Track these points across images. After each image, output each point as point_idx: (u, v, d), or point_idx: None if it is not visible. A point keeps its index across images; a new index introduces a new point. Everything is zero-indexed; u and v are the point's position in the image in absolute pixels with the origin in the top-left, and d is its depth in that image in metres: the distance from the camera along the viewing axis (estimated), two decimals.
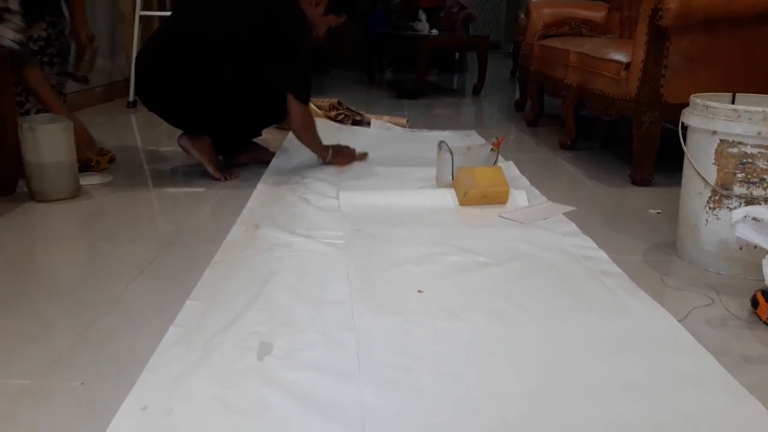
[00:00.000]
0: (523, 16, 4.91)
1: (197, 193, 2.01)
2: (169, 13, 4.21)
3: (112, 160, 2.26)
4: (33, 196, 1.86)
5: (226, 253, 1.46)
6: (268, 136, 2.60)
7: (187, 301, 1.21)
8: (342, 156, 2.32)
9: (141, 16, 3.75)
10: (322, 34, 2.19)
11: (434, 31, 5.31)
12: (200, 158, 2.13)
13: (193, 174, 2.20)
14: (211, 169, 2.13)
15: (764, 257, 1.18)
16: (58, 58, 2.26)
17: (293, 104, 2.04)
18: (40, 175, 1.83)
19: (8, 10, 1.96)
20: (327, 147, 2.28)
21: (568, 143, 2.78)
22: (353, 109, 3.27)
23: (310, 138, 2.21)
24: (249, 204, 1.84)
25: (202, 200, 1.94)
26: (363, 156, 2.42)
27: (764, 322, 1.20)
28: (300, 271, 1.37)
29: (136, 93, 2.20)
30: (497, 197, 1.88)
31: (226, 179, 2.12)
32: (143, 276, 1.36)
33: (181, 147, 2.17)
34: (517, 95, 4.19)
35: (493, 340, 1.09)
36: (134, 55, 3.71)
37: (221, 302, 1.21)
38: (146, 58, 2.09)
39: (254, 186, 2.04)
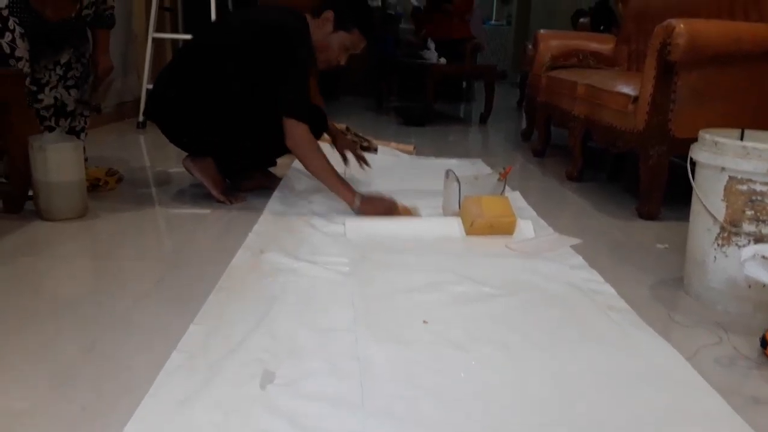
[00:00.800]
0: (530, 46, 4.95)
1: (204, 215, 2.01)
2: (181, 35, 4.28)
3: (120, 180, 2.28)
4: (40, 215, 1.86)
5: (230, 278, 1.45)
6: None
7: (191, 326, 1.20)
8: (373, 206, 1.95)
9: (154, 38, 3.80)
10: (338, 56, 2.08)
11: (442, 60, 5.36)
12: (203, 180, 2.13)
13: (200, 196, 2.20)
14: (214, 192, 2.13)
15: None
16: (80, 80, 2.30)
17: (286, 123, 1.93)
18: (48, 194, 1.84)
19: (13, 56, 2.01)
20: (351, 188, 1.97)
21: (575, 174, 2.78)
22: (361, 135, 3.28)
23: (312, 160, 1.96)
24: (255, 228, 1.83)
25: (208, 222, 1.94)
26: (410, 211, 2.02)
27: None
28: (304, 297, 1.36)
29: (145, 111, 2.22)
30: (504, 228, 1.87)
31: (230, 203, 2.12)
32: (148, 297, 1.35)
33: (186, 168, 2.17)
34: (524, 125, 4.21)
35: (498, 373, 1.08)
36: (146, 76, 3.75)
37: (225, 327, 1.20)
38: (160, 76, 2.12)
39: (260, 210, 2.04)
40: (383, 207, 1.96)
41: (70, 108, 2.28)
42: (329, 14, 2.02)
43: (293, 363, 1.07)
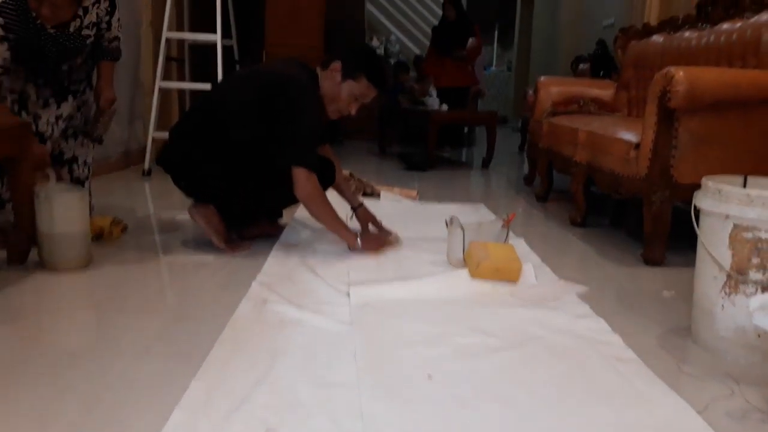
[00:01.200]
0: (531, 93, 5.02)
1: (207, 264, 2.01)
2: (188, 85, 4.36)
3: (124, 229, 2.28)
4: (44, 265, 1.86)
5: (233, 330, 1.44)
6: None
7: (193, 382, 1.18)
8: (371, 243, 2.17)
9: (160, 87, 3.86)
10: (348, 106, 2.11)
11: (444, 107, 5.43)
12: (205, 227, 2.14)
13: (204, 244, 2.20)
14: (215, 240, 2.13)
15: None
16: (80, 128, 2.33)
17: (294, 173, 1.97)
18: (52, 245, 1.84)
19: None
20: (352, 232, 2.13)
21: (579, 220, 2.78)
22: (364, 180, 3.30)
23: (320, 210, 2.05)
24: (258, 277, 1.83)
25: (211, 272, 1.94)
26: (393, 240, 2.26)
27: None
28: (307, 350, 1.34)
29: (157, 160, 2.22)
30: (509, 273, 1.86)
31: (232, 251, 2.11)
32: (151, 351, 1.34)
33: (190, 216, 2.19)
34: (526, 170, 4.23)
35: (504, 430, 1.05)
36: (152, 124, 3.81)
37: (227, 383, 1.18)
38: (173, 126, 2.20)
39: (264, 258, 2.03)
40: (378, 240, 2.22)
41: (67, 156, 2.29)
42: (337, 65, 2.07)
43: (296, 421, 1.05)
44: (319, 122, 2.08)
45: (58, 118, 2.21)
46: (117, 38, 2.32)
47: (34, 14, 2.00)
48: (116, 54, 2.35)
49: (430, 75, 6.10)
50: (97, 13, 2.17)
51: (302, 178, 1.98)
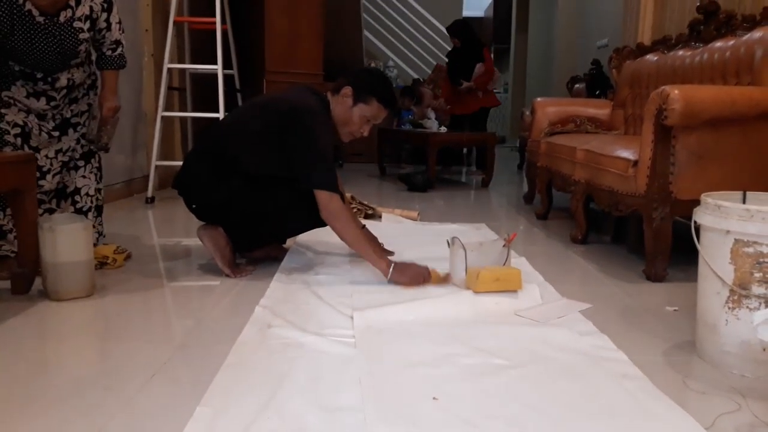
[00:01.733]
0: (528, 113, 5.07)
1: (211, 289, 2.01)
2: (189, 114, 4.40)
3: (128, 257, 2.29)
4: (48, 295, 1.86)
5: (238, 355, 1.44)
6: None
7: (198, 408, 1.18)
8: (406, 277, 2.01)
9: (162, 116, 3.90)
10: (360, 128, 2.17)
11: (443, 129, 5.48)
12: (212, 250, 2.15)
13: (207, 269, 2.21)
14: (220, 263, 2.14)
15: None
16: (89, 138, 2.34)
17: (317, 195, 1.99)
18: (56, 275, 1.85)
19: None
20: (384, 257, 2.05)
21: (579, 237, 2.79)
22: (365, 203, 3.32)
23: (346, 230, 2.02)
24: (262, 302, 1.83)
25: (215, 297, 1.94)
26: (442, 278, 2.05)
27: None
28: (312, 374, 1.34)
29: (173, 184, 2.23)
30: (509, 281, 1.88)
31: (234, 276, 2.13)
32: (156, 378, 1.34)
33: (198, 237, 2.20)
34: (525, 188, 4.25)
35: None
36: (155, 152, 3.84)
37: (232, 408, 1.18)
38: (190, 152, 2.25)
39: (267, 281, 2.04)
40: (415, 274, 2.02)
41: (70, 189, 2.28)
42: (348, 90, 2.12)
43: None
44: (332, 146, 2.11)
45: (58, 152, 2.22)
46: (119, 43, 2.27)
47: (21, 0, 1.93)
48: (120, 62, 2.30)
49: (425, 97, 6.17)
50: (91, 6, 2.11)
51: (325, 199, 2.00)
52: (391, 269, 2.00)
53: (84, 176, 2.31)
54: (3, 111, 2.04)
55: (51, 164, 2.20)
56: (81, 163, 2.30)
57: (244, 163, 2.06)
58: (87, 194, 2.33)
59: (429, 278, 2.03)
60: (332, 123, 2.15)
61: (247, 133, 2.08)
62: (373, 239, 2.27)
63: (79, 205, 2.30)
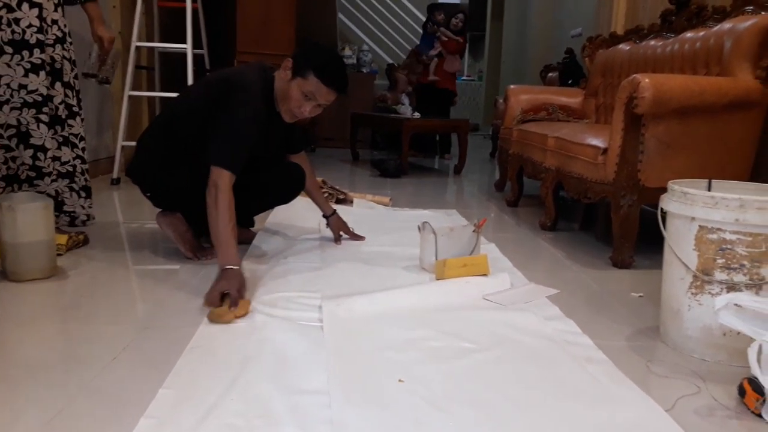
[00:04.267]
0: (501, 101, 5.08)
1: (176, 273, 1.98)
2: (157, 93, 4.31)
3: (85, 242, 2.22)
4: (7, 276, 1.81)
5: (202, 338, 1.42)
6: None
7: (161, 390, 1.16)
8: (227, 283, 1.65)
9: (130, 96, 3.81)
10: (300, 106, 1.96)
11: (416, 114, 5.46)
12: (173, 236, 2.11)
13: (172, 253, 2.17)
14: (183, 248, 2.10)
15: (749, 345, 1.18)
16: (89, 73, 2.27)
17: (211, 169, 1.82)
18: (15, 255, 1.79)
19: None
20: (231, 256, 1.75)
21: (549, 224, 2.81)
22: (337, 187, 3.30)
23: (213, 213, 1.80)
24: None
25: (180, 280, 1.91)
26: (245, 306, 1.61)
27: (752, 412, 1.17)
28: (277, 356, 1.33)
29: (127, 171, 2.18)
30: (477, 266, 1.90)
31: (198, 259, 2.09)
32: (117, 361, 1.31)
33: (158, 224, 2.15)
34: (497, 176, 4.27)
35: None
36: (121, 133, 3.76)
37: (196, 391, 1.16)
38: (140, 136, 2.16)
39: None
40: (212, 296, 1.64)
41: (33, 141, 2.18)
42: (288, 62, 1.97)
43: (266, 428, 1.04)
44: (255, 127, 1.94)
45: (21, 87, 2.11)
46: None
47: None
48: None
49: (400, 82, 6.16)
50: None
51: (215, 174, 1.82)
52: (225, 268, 1.71)
53: (54, 138, 2.23)
54: None
55: (11, 95, 2.10)
56: (45, 118, 2.19)
57: (187, 142, 1.98)
58: (54, 158, 2.23)
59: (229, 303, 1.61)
60: (269, 103, 2.00)
61: (189, 110, 2.01)
62: (234, 237, 1.83)
63: (38, 163, 2.20)
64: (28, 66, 2.11)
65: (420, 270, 2.04)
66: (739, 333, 1.26)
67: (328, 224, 2.37)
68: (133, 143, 3.85)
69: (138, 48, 3.91)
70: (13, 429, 1.03)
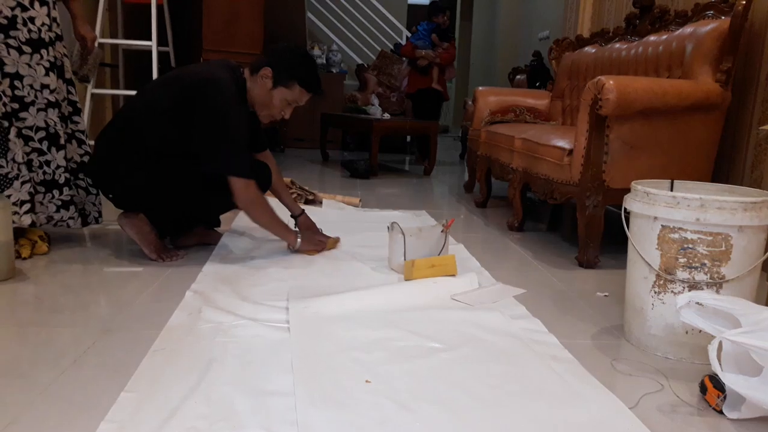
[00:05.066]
0: (470, 102, 5.12)
1: (140, 274, 1.94)
2: (121, 91, 4.23)
3: (47, 244, 2.16)
4: None
5: (166, 340, 1.39)
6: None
7: (122, 393, 1.13)
8: (311, 244, 2.21)
9: (93, 94, 3.73)
10: (281, 111, 2.05)
11: (386, 115, 5.47)
12: (136, 237, 2.07)
13: (136, 255, 2.12)
14: (146, 250, 2.06)
15: (710, 342, 1.20)
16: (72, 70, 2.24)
17: (232, 182, 1.93)
18: None
19: None
20: (293, 231, 2.19)
21: (516, 225, 2.83)
22: (306, 188, 3.27)
23: (262, 215, 2.04)
24: (193, 286, 1.78)
25: (144, 282, 1.87)
26: (335, 243, 2.32)
27: (713, 408, 1.20)
28: (243, 358, 1.31)
29: (85, 171, 2.12)
30: (445, 267, 1.91)
31: (162, 260, 2.05)
32: (77, 364, 1.28)
33: (120, 226, 2.10)
34: (466, 177, 4.29)
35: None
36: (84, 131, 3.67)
37: (158, 394, 1.14)
38: (98, 135, 2.08)
39: (200, 267, 1.98)
40: (318, 242, 2.24)
41: (62, 141, 2.13)
42: (267, 71, 1.99)
43: (229, 431, 1.02)
44: (245, 125, 2.00)
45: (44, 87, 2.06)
46: None
47: None
48: None
49: (369, 83, 6.12)
50: None
51: (240, 187, 1.94)
52: (298, 240, 2.16)
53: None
54: None
55: (35, 96, 2.06)
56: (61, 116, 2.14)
57: (146, 139, 1.95)
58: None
59: (325, 245, 2.25)
60: (246, 101, 2.04)
61: (150, 107, 1.96)
62: (281, 223, 2.14)
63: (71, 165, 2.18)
64: (47, 65, 2.07)
65: (389, 270, 2.04)
66: (700, 331, 1.29)
67: (296, 224, 2.35)
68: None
69: (101, 45, 3.82)
70: None
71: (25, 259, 2.00)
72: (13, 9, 1.96)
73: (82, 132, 2.25)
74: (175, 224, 2.20)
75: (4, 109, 1.93)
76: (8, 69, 1.98)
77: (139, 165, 1.97)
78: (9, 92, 1.98)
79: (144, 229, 2.06)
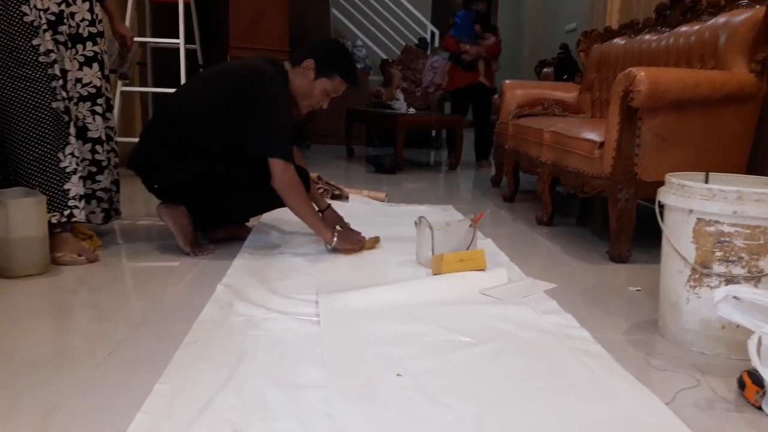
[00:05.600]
0: (496, 96, 5.07)
1: (171, 268, 1.96)
2: (150, 89, 4.29)
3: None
4: (0, 272, 1.79)
5: (198, 333, 1.40)
6: None
7: (156, 385, 1.15)
8: (349, 243, 2.15)
9: (122, 92, 3.79)
10: (319, 101, 2.14)
11: (411, 110, 5.45)
12: (172, 228, 2.09)
13: (167, 248, 2.15)
14: (181, 242, 2.09)
15: (748, 337, 1.17)
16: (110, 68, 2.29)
17: (272, 164, 1.97)
18: (8, 251, 1.77)
19: None
20: (330, 228, 2.14)
21: (545, 219, 2.80)
22: (332, 183, 3.28)
23: (299, 203, 2.04)
24: (224, 280, 1.79)
25: (176, 275, 1.89)
26: (374, 243, 2.24)
27: (752, 404, 1.17)
28: (274, 351, 1.32)
29: (128, 164, 2.16)
30: (474, 261, 1.89)
31: (195, 255, 2.07)
32: (112, 357, 1.30)
33: (158, 216, 2.13)
34: (493, 171, 4.26)
35: (474, 427, 1.04)
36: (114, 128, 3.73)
37: (192, 386, 1.15)
38: (144, 129, 2.16)
39: (230, 261, 2.00)
40: (357, 241, 2.17)
41: (91, 135, 2.15)
42: (310, 63, 2.08)
43: (263, 423, 1.03)
44: (291, 115, 2.08)
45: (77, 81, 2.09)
46: None
47: None
48: None
49: (394, 78, 6.08)
50: None
51: (279, 169, 1.98)
52: (335, 238, 2.10)
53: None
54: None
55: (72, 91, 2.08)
56: (99, 109, 2.17)
57: (199, 137, 2.00)
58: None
59: (364, 244, 2.17)
60: (291, 93, 2.11)
61: (202, 104, 2.02)
62: (317, 215, 2.19)
63: (97, 157, 2.18)
64: (82, 59, 2.10)
65: (416, 265, 2.03)
66: (738, 326, 1.26)
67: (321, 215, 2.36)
68: (127, 139, 3.86)
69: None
70: (8, 426, 1.02)
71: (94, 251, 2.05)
72: (59, 5, 2.00)
73: (111, 129, 2.28)
74: (212, 218, 2.23)
75: (64, 104, 1.97)
76: (60, 65, 2.01)
77: (188, 159, 2.01)
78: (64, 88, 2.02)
79: (182, 222, 2.09)
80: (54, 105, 1.93)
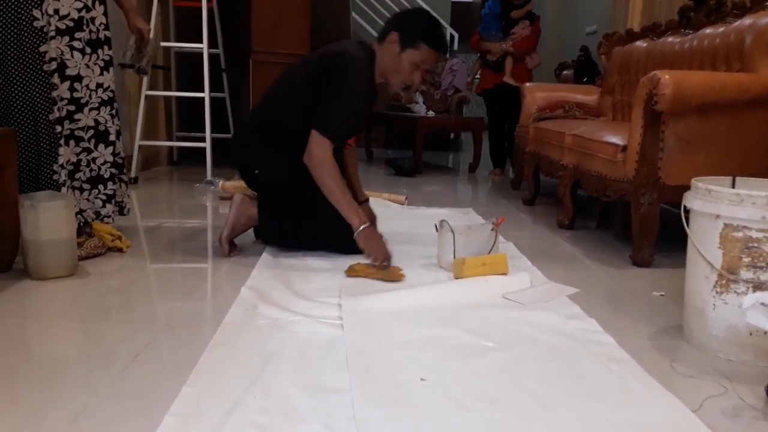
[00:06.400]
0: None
1: (196, 271, 1.99)
2: (174, 93, 4.33)
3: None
4: (29, 274, 1.83)
5: (224, 336, 1.42)
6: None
7: (184, 388, 1.16)
8: (373, 244, 1.92)
9: (146, 96, 3.84)
10: (410, 75, 2.06)
11: (430, 113, 5.45)
12: (231, 218, 2.11)
13: (192, 250, 2.18)
14: (225, 232, 2.10)
15: None
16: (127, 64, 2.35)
17: (312, 136, 1.93)
18: (37, 253, 1.81)
19: None
20: (360, 215, 1.95)
21: (566, 222, 2.79)
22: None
23: (329, 179, 1.93)
24: (248, 283, 1.81)
25: (200, 278, 1.91)
26: (396, 273, 1.89)
27: None
28: (299, 354, 1.33)
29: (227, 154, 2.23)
30: (496, 265, 1.89)
31: (225, 251, 2.10)
32: (139, 359, 1.32)
33: (232, 200, 2.16)
34: (513, 174, 4.24)
35: (500, 431, 1.05)
36: (138, 132, 3.78)
37: (219, 388, 1.16)
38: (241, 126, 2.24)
39: (253, 264, 2.02)
40: (377, 249, 1.90)
41: (112, 137, 2.20)
42: (394, 36, 2.03)
43: (289, 426, 1.04)
44: (361, 100, 2.04)
45: (98, 86, 2.13)
46: None
47: None
48: None
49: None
50: None
51: (317, 142, 1.93)
52: (361, 229, 1.92)
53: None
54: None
55: (90, 96, 2.12)
56: (114, 112, 2.22)
57: (288, 119, 2.02)
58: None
59: (385, 264, 1.89)
60: (372, 75, 2.07)
61: (292, 86, 2.05)
62: (351, 200, 2.02)
63: (117, 159, 2.24)
64: (102, 64, 2.14)
65: (438, 268, 2.04)
66: (766, 332, 1.25)
67: None
68: (152, 142, 3.91)
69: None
70: (38, 427, 1.04)
71: (123, 251, 2.12)
72: (80, 11, 2.03)
73: (119, 128, 2.31)
74: (278, 233, 2.19)
75: (58, 114, 2.00)
76: (70, 71, 2.04)
77: (278, 144, 2.04)
78: (67, 95, 2.05)
79: (246, 212, 2.12)
80: (50, 117, 1.96)
